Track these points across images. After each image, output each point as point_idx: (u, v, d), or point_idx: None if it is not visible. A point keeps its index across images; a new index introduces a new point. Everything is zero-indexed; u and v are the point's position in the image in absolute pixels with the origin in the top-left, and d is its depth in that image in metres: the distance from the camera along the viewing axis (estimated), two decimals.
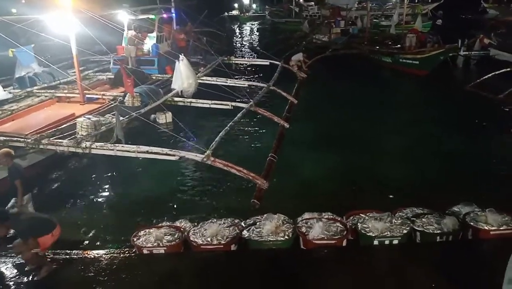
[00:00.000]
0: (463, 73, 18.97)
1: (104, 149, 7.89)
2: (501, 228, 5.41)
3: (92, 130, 8.58)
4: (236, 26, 45.98)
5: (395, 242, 5.43)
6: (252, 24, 50.19)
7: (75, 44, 10.56)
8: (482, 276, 4.54)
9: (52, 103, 11.25)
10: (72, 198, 8.14)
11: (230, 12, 53.73)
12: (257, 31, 43.22)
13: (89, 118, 8.84)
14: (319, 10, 39.07)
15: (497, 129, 11.27)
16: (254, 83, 13.44)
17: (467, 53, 19.74)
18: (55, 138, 8.35)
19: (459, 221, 5.65)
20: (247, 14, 56.78)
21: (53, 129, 8.80)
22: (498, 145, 10.30)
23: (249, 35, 41.48)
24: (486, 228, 5.44)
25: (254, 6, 62.95)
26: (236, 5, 58.33)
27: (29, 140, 8.18)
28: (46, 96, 11.49)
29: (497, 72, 15.09)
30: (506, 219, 5.54)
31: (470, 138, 10.63)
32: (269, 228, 5.59)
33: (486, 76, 14.99)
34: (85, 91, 11.25)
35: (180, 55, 11.77)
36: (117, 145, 7.88)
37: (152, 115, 11.44)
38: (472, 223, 5.55)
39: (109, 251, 5.57)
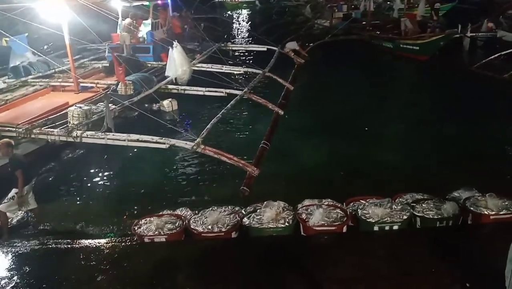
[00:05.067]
0: (469, 55, 18.68)
1: (95, 138, 7.85)
2: (501, 213, 5.43)
3: (83, 119, 8.51)
4: (227, 12, 44.70)
5: (395, 227, 5.45)
6: (247, 10, 48.71)
7: (68, 33, 10.43)
8: (482, 260, 4.55)
9: (46, 92, 11.12)
10: (69, 188, 8.11)
11: None
12: (257, 16, 42.21)
13: (80, 107, 8.76)
14: None
15: (500, 111, 11.12)
16: (250, 70, 13.30)
17: (473, 34, 19.37)
18: (46, 128, 8.29)
19: (459, 206, 5.67)
20: (238, 0, 54.42)
21: (45, 119, 8.74)
22: (501, 128, 10.10)
23: (248, 20, 40.72)
24: (486, 212, 5.46)
25: None
26: None
27: (20, 130, 8.13)
28: (40, 85, 11.33)
29: (502, 53, 15.02)
30: (506, 203, 5.55)
31: (472, 121, 10.51)
32: (270, 215, 5.60)
33: (491, 57, 14.91)
34: (79, 80, 11.14)
35: (174, 42, 11.62)
36: (107, 133, 7.82)
37: (154, 104, 11.31)
38: (472, 208, 5.57)
39: (110, 240, 5.56)
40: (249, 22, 37.34)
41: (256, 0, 50.70)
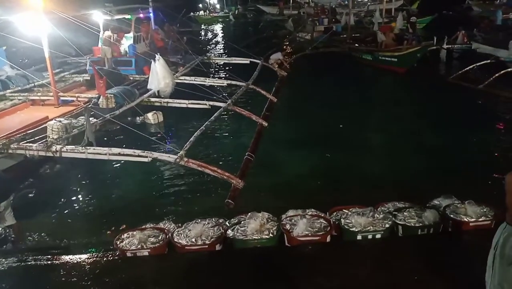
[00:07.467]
0: (446, 66, 19.29)
1: (75, 152, 7.74)
2: (480, 219, 5.54)
3: (63, 134, 8.38)
4: (203, 26, 44.71)
5: (378, 236, 5.49)
6: (221, 25, 48.46)
7: (48, 46, 10.33)
8: (463, 266, 4.64)
9: (25, 106, 10.96)
10: (48, 203, 7.89)
11: (195, 13, 50.63)
12: (239, 30, 42.53)
13: (60, 121, 8.65)
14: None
15: (476, 121, 11.42)
16: (233, 82, 13.38)
17: (449, 46, 20.04)
18: (25, 143, 8.13)
19: (439, 213, 5.76)
20: (212, 14, 52.38)
21: (24, 133, 8.58)
22: (477, 136, 10.44)
23: (230, 34, 41.01)
24: (465, 219, 5.55)
25: (217, 6, 57.34)
26: (200, 5, 54.95)
27: None
28: (19, 99, 11.15)
29: (477, 64, 15.65)
30: (484, 210, 5.66)
31: (449, 130, 10.80)
32: (254, 226, 5.57)
33: (467, 68, 15.47)
34: (59, 94, 11.00)
35: (156, 55, 11.62)
36: (88, 147, 7.73)
37: (138, 117, 11.22)
38: (452, 215, 5.66)
39: (92, 255, 5.44)
40: (226, 36, 37.68)
41: (230, 14, 50.70)
